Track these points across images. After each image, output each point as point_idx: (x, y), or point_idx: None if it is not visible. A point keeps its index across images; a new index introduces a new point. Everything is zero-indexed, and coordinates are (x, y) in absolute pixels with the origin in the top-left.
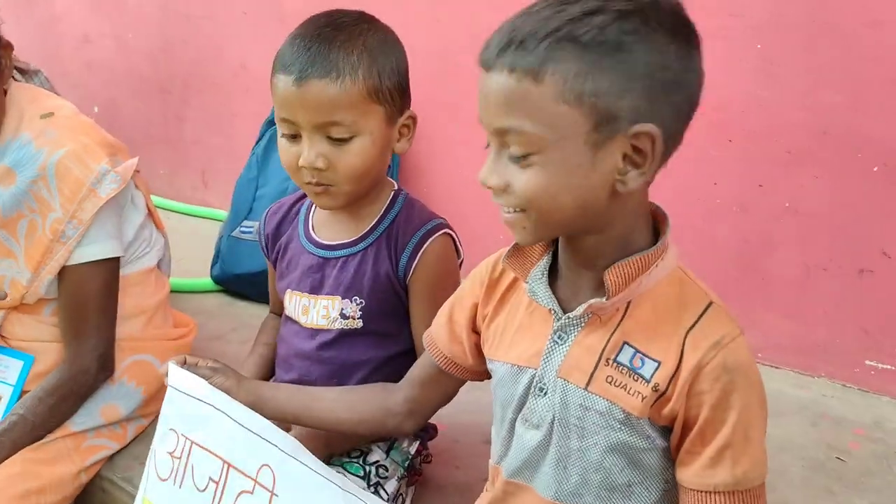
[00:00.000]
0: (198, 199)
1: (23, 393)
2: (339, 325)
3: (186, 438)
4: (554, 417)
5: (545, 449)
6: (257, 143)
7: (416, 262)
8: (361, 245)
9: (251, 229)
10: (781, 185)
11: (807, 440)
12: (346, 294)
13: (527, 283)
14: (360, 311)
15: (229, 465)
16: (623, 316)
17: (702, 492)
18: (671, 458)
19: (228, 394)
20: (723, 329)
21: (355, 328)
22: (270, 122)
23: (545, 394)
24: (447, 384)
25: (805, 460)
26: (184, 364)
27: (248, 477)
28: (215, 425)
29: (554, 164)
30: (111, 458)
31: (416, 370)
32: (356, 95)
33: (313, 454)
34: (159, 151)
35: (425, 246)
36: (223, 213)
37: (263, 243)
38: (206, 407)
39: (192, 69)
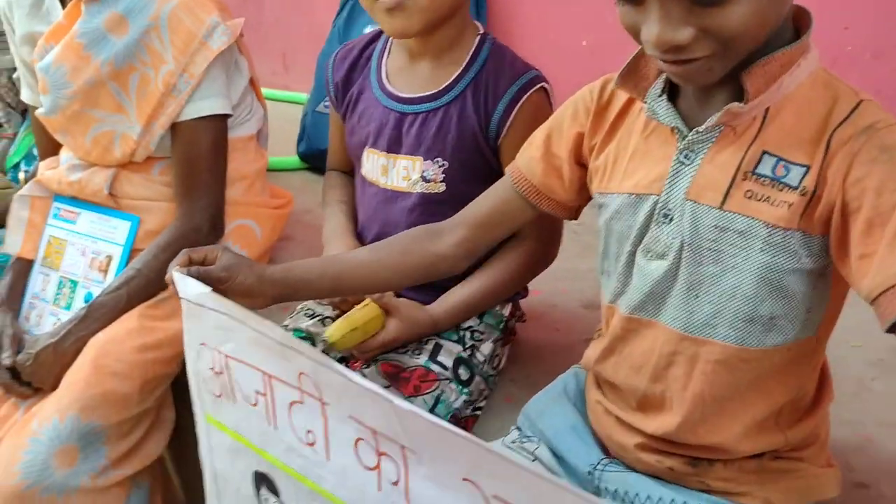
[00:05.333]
0: (279, 84)
1: (134, 251)
2: (421, 188)
3: (219, 352)
4: (682, 244)
5: (672, 278)
6: (338, 15)
7: (509, 121)
8: (444, 98)
9: None
10: None
11: None
12: (428, 154)
13: (645, 102)
14: (442, 173)
15: (269, 375)
16: (761, 125)
17: (892, 287)
18: (818, 284)
19: (251, 293)
20: (875, 117)
21: (437, 192)
22: None
23: (670, 220)
24: (522, 219)
25: None
26: (189, 265)
27: (293, 386)
28: (240, 335)
29: None
30: None
31: (481, 209)
32: None
33: (416, 325)
34: None
35: (520, 103)
36: (306, 97)
37: (332, 93)
38: (221, 317)
39: None
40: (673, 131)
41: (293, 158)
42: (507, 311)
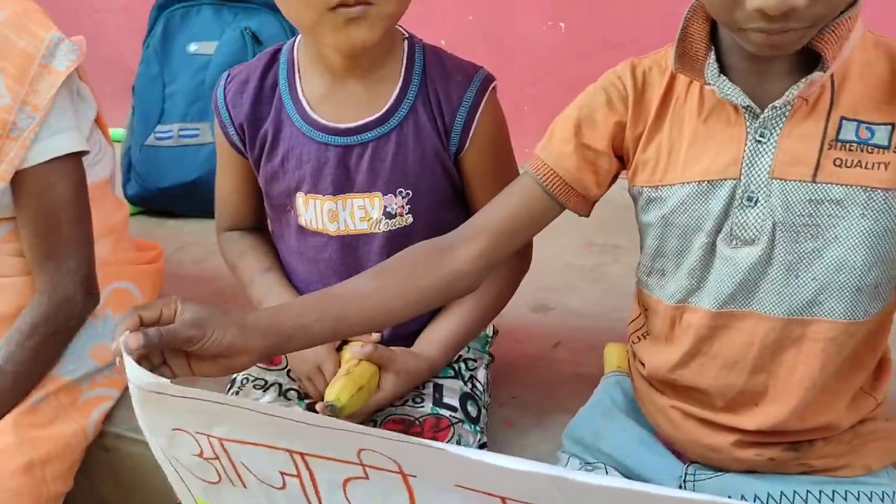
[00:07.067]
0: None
1: None
2: (385, 226)
3: (207, 436)
4: (774, 224)
5: (766, 263)
6: (149, 34)
7: (472, 131)
8: (394, 120)
9: (169, 134)
10: None
11: None
12: (388, 187)
13: (709, 84)
14: (407, 204)
15: (302, 454)
16: (832, 93)
17: None
18: None
19: (232, 351)
20: None
21: (405, 226)
22: (162, 6)
23: (756, 202)
24: (547, 220)
25: None
26: (140, 326)
27: (347, 462)
28: (236, 418)
29: None
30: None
31: (502, 213)
32: None
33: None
34: None
35: (481, 109)
36: (120, 132)
37: (234, 136)
38: (198, 402)
39: None
40: (737, 110)
41: None
42: (490, 329)
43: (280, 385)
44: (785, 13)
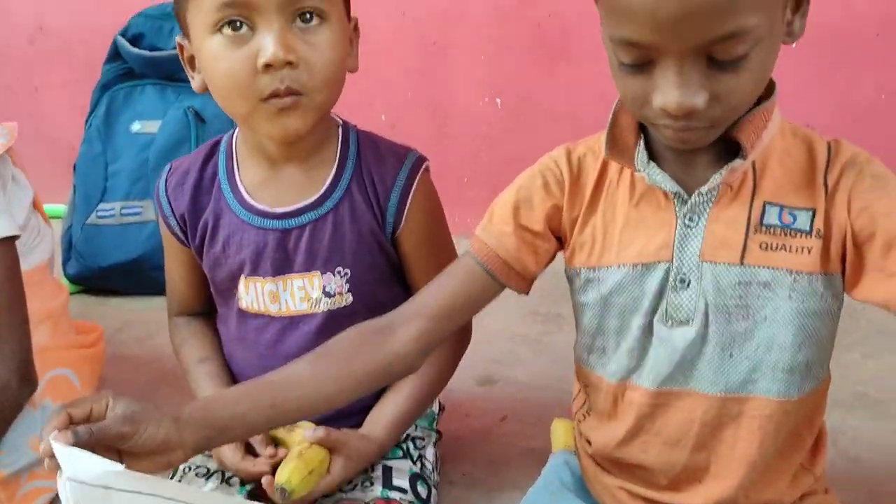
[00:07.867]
0: None
1: None
2: (325, 305)
3: None
4: (707, 305)
5: (701, 342)
6: (92, 113)
7: (406, 209)
8: (330, 202)
9: (111, 212)
10: None
11: None
12: (326, 266)
13: (639, 171)
14: (346, 283)
15: None
16: (754, 179)
17: None
18: (836, 323)
19: (166, 447)
20: (852, 151)
21: (345, 306)
22: (105, 86)
23: (688, 284)
24: (486, 300)
25: None
26: (70, 424)
27: None
28: None
29: (766, 51)
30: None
31: (441, 295)
32: None
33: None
34: None
35: (413, 189)
36: (61, 208)
37: (175, 226)
38: (145, 498)
39: None
40: (667, 196)
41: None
42: (436, 406)
43: (223, 473)
44: (687, 113)
